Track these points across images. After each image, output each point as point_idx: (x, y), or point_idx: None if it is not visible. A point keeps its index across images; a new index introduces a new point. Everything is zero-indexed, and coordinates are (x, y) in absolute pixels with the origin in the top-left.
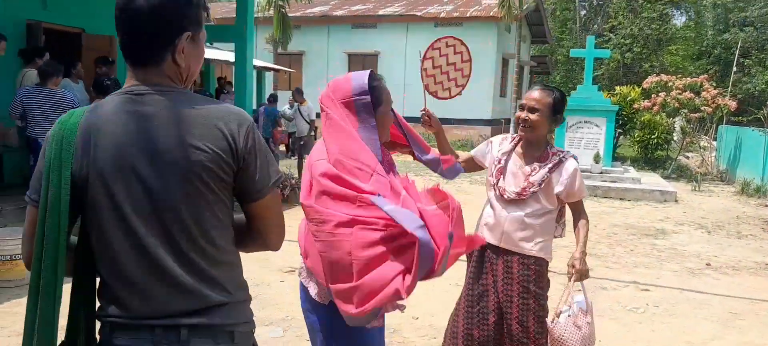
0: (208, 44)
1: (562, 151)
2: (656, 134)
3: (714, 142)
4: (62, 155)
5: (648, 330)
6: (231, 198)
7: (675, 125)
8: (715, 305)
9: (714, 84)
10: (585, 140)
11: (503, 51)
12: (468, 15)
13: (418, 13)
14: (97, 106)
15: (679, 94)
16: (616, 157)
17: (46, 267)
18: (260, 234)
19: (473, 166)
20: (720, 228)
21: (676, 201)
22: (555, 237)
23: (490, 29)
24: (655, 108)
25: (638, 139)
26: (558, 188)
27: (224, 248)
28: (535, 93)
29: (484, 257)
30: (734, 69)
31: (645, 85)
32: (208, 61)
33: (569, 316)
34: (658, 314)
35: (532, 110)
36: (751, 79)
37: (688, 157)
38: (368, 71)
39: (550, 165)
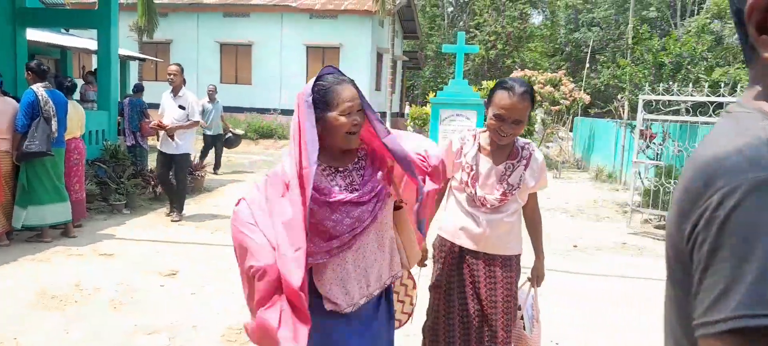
0: (64, 31)
1: (526, 143)
2: None
3: (570, 133)
4: None
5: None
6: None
7: (537, 117)
8: (583, 283)
9: (570, 79)
10: (457, 133)
11: (378, 45)
12: (343, 8)
13: (293, 4)
14: None
15: (541, 88)
16: None
17: None
18: None
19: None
20: (581, 212)
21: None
22: None
23: (364, 23)
24: None
25: None
26: (531, 182)
27: None
28: (519, 102)
29: (462, 262)
30: (588, 65)
31: None
32: (64, 49)
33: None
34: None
35: (517, 123)
36: (599, 75)
37: (548, 147)
38: (327, 68)
39: (524, 162)
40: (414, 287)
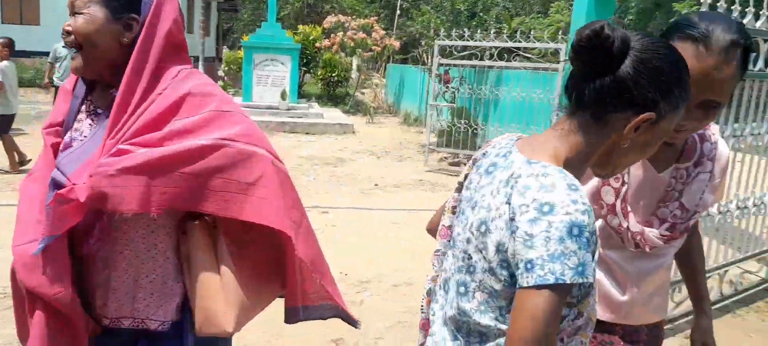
0: None
1: (707, 129)
2: (337, 72)
3: (384, 80)
4: None
5: (326, 247)
6: None
7: (353, 64)
8: (381, 218)
9: (384, 26)
10: (272, 78)
11: None
12: None
13: None
14: None
15: (355, 34)
16: (303, 95)
17: None
18: None
19: None
20: (387, 153)
21: (353, 133)
22: None
23: None
24: (335, 47)
25: (321, 76)
26: (709, 199)
27: None
28: (725, 61)
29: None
30: (399, 12)
31: (325, 24)
32: None
33: None
34: (335, 231)
35: (716, 107)
36: (413, 22)
37: (363, 93)
38: None
39: (710, 165)
40: None
